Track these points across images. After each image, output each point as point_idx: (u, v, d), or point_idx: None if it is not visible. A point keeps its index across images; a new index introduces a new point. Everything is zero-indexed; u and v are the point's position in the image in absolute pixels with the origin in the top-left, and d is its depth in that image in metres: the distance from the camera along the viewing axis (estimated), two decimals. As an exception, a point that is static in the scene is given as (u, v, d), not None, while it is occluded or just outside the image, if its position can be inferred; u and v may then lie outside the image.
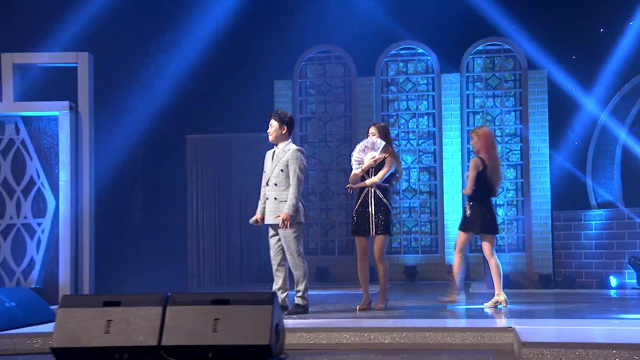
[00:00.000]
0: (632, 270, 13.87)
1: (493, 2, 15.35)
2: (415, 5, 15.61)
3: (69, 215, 13.17)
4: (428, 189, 16.39)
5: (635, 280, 13.73)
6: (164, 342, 5.93)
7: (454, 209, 16.10)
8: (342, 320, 7.91)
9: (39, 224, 13.31)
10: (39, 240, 13.27)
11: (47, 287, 13.11)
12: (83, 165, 13.56)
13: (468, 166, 9.54)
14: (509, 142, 16.42)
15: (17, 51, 13.53)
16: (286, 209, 8.32)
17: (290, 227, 8.40)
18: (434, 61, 16.55)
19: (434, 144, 16.45)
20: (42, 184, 13.31)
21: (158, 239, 15.74)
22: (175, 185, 16.34)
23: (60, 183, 13.24)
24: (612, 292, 13.33)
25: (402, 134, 16.62)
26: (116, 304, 6.13)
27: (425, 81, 16.69)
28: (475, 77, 16.66)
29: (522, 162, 16.25)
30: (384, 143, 9.06)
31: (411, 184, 16.36)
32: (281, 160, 8.52)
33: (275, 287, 8.73)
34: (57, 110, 13.27)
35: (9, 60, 13.35)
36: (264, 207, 8.70)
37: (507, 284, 14.28)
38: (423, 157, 16.51)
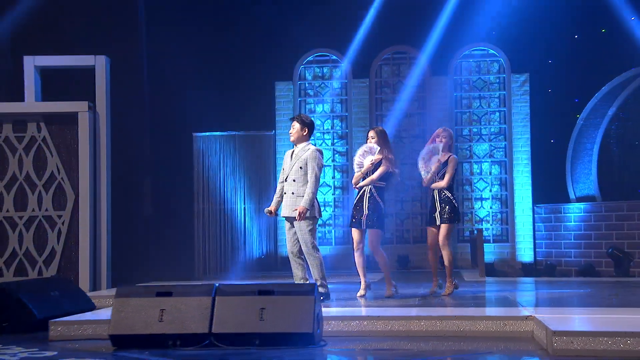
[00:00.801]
0: (611, 260, 14.21)
1: (479, 9, 15.64)
2: (406, 12, 15.86)
3: (88, 208, 13.37)
4: (417, 185, 16.62)
5: (613, 269, 14.10)
6: (214, 330, 6.09)
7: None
8: (373, 309, 7.98)
9: (59, 216, 13.49)
10: (60, 232, 13.45)
11: (68, 275, 13.29)
12: (100, 162, 13.77)
13: (445, 162, 9.58)
14: (494, 140, 16.81)
15: (38, 54, 13.71)
16: (303, 202, 8.42)
17: (305, 220, 8.47)
18: (424, 64, 16.81)
19: (424, 141, 16.64)
20: (62, 178, 13.49)
21: (166, 230, 15.84)
22: (183, 180, 16.46)
23: (80, 178, 13.44)
24: (596, 280, 13.53)
25: (396, 134, 16.83)
26: (168, 294, 6.27)
27: (416, 83, 16.94)
28: (463, 79, 16.93)
29: (506, 159, 16.63)
30: (379, 148, 9.31)
31: (402, 179, 16.61)
32: (300, 158, 8.59)
33: (295, 278, 8.76)
34: (76, 110, 13.45)
35: (30, 62, 13.55)
36: (279, 201, 8.80)
37: (492, 272, 14.74)
38: (414, 154, 16.64)
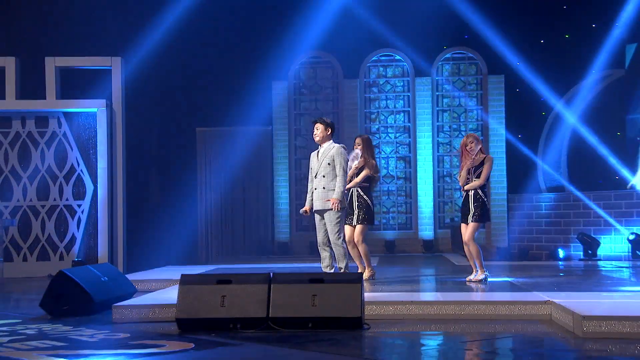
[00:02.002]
0: (580, 244, 14.52)
1: (459, 15, 15.65)
2: (392, 18, 15.95)
3: (106, 198, 13.52)
4: (404, 175, 16.95)
5: (582, 253, 14.43)
6: (271, 314, 6.17)
7: (425, 192, 16.69)
8: (405, 294, 7.83)
9: (79, 205, 13.65)
10: (79, 219, 13.63)
11: (88, 259, 13.44)
12: (117, 155, 13.92)
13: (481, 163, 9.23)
14: None
15: (58, 55, 13.76)
16: (335, 194, 8.47)
17: (336, 211, 8.53)
18: (409, 66, 17.06)
19: (409, 137, 17.01)
20: (81, 170, 13.66)
21: (172, 218, 15.92)
22: (187, 172, 16.57)
23: (99, 170, 13.62)
24: (570, 263, 13.73)
25: (382, 128, 17.18)
26: (228, 282, 6.35)
27: (402, 83, 17.22)
28: (444, 80, 17.20)
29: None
30: (360, 153, 9.47)
31: (389, 171, 16.91)
32: (327, 155, 8.62)
33: (323, 265, 8.76)
34: (95, 107, 13.60)
35: (51, 63, 13.64)
36: (312, 199, 8.75)
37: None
38: (399, 148, 17.11)
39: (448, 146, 17.17)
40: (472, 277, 9.28)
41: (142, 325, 6.70)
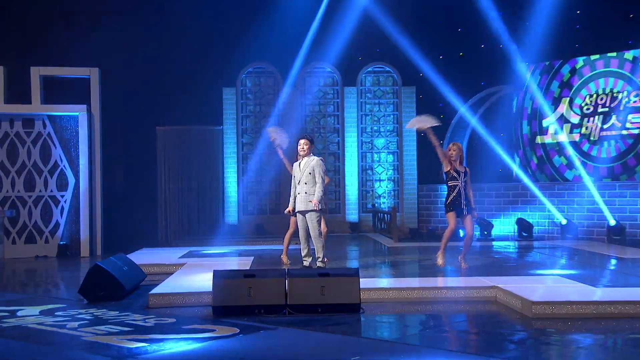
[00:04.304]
0: (477, 226, 15.41)
1: (379, 35, 16.04)
2: (325, 35, 16.13)
3: (87, 190, 13.67)
4: (333, 169, 17.48)
5: (479, 233, 15.19)
6: (289, 302, 6.69)
7: (351, 183, 17.37)
8: (386, 281, 8.42)
9: (62, 196, 13.78)
10: (62, 208, 13.77)
11: (71, 242, 13.60)
12: (95, 153, 14.06)
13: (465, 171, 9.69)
14: (389, 136, 17.77)
15: (42, 65, 13.75)
16: (315, 197, 8.92)
17: (315, 212, 8.94)
18: (338, 77, 17.58)
19: (338, 137, 17.60)
20: (64, 166, 13.78)
21: (136, 205, 16.01)
22: (149, 164, 16.65)
23: (80, 166, 13.77)
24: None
25: (316, 129, 17.64)
26: (252, 276, 6.81)
27: (332, 91, 17.71)
28: (367, 89, 17.79)
29: (398, 151, 17.67)
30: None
31: (323, 165, 17.37)
32: (309, 166, 9.03)
33: (303, 253, 9.19)
34: (77, 112, 13.69)
35: (36, 72, 13.69)
36: (294, 201, 9.10)
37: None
38: (330, 145, 17.64)
39: (370, 144, 17.81)
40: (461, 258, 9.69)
41: (175, 309, 7.06)
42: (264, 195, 17.36)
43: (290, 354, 5.37)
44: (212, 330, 6.02)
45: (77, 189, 13.73)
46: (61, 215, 13.73)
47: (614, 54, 15.20)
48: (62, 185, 13.79)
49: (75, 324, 6.37)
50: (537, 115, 16.43)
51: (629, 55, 15.00)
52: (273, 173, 16.72)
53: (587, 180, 14.91)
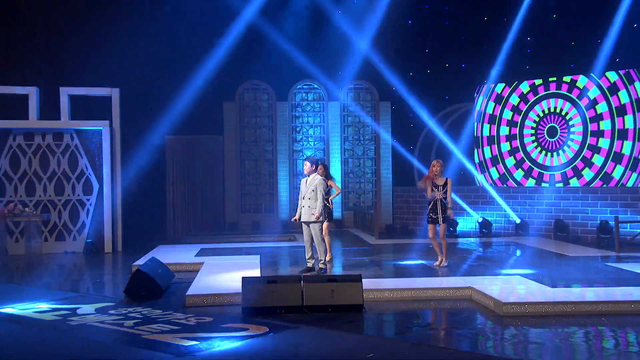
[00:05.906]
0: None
1: (360, 56, 16.66)
2: (313, 55, 16.70)
3: (110, 195, 14.08)
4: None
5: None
6: (305, 303, 7.19)
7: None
8: (382, 281, 8.68)
9: (88, 200, 14.16)
10: (88, 210, 14.15)
11: (96, 240, 14.00)
12: (116, 162, 14.45)
13: (445, 182, 10.11)
14: (368, 144, 18.29)
15: (69, 86, 14.09)
16: (317, 211, 9.45)
17: (317, 222, 9.46)
18: (324, 93, 18.07)
19: (324, 145, 18.12)
20: (89, 173, 14.16)
21: (148, 206, 16.37)
22: (159, 169, 17.02)
23: (104, 174, 14.14)
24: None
25: (304, 138, 18.11)
26: (274, 281, 7.30)
27: (319, 105, 18.18)
28: (349, 104, 18.29)
29: (375, 156, 18.25)
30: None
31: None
32: (313, 184, 9.55)
33: (307, 256, 9.69)
34: (101, 126, 14.08)
35: (65, 92, 13.99)
36: (301, 212, 9.59)
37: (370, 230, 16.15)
38: (317, 152, 18.12)
39: (351, 151, 18.32)
40: (438, 263, 10.14)
41: (209, 309, 7.47)
42: (259, 196, 17.79)
43: (316, 353, 5.77)
44: (246, 329, 6.44)
45: (101, 194, 14.13)
46: (87, 217, 14.13)
47: (554, 78, 15.90)
48: (87, 190, 14.18)
49: (131, 322, 6.77)
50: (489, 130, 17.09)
51: (567, 78, 15.72)
52: (266, 178, 17.33)
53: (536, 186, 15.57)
